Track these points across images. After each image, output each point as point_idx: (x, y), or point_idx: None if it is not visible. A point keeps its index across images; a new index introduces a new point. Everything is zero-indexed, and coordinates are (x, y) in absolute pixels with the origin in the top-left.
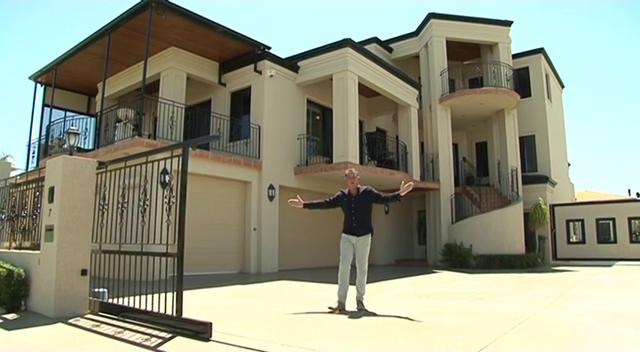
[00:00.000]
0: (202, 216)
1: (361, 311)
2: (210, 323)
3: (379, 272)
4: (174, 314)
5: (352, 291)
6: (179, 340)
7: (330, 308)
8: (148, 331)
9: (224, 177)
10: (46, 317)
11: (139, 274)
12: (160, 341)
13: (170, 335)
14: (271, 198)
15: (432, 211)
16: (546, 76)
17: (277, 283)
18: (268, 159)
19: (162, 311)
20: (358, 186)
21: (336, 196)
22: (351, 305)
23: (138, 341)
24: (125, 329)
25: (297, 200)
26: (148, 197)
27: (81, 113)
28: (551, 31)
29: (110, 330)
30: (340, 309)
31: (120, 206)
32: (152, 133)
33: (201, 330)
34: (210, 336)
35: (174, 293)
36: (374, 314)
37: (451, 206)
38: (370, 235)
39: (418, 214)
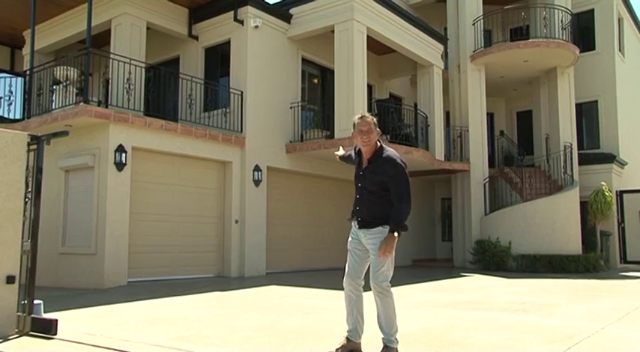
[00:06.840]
0: (170, 206)
1: None
2: (56, 320)
3: (394, 275)
4: (26, 313)
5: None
6: (23, 339)
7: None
8: None
9: (197, 156)
10: None
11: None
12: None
13: (17, 334)
14: (257, 182)
15: (460, 199)
16: (619, 20)
17: (265, 289)
18: (253, 134)
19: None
20: (379, 147)
21: (354, 151)
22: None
23: None
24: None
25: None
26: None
27: (2, 70)
28: None
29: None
30: (350, 350)
31: None
32: (103, 100)
33: (47, 329)
34: (55, 334)
35: (26, 291)
36: None
37: (484, 192)
38: (381, 228)
39: (442, 203)
